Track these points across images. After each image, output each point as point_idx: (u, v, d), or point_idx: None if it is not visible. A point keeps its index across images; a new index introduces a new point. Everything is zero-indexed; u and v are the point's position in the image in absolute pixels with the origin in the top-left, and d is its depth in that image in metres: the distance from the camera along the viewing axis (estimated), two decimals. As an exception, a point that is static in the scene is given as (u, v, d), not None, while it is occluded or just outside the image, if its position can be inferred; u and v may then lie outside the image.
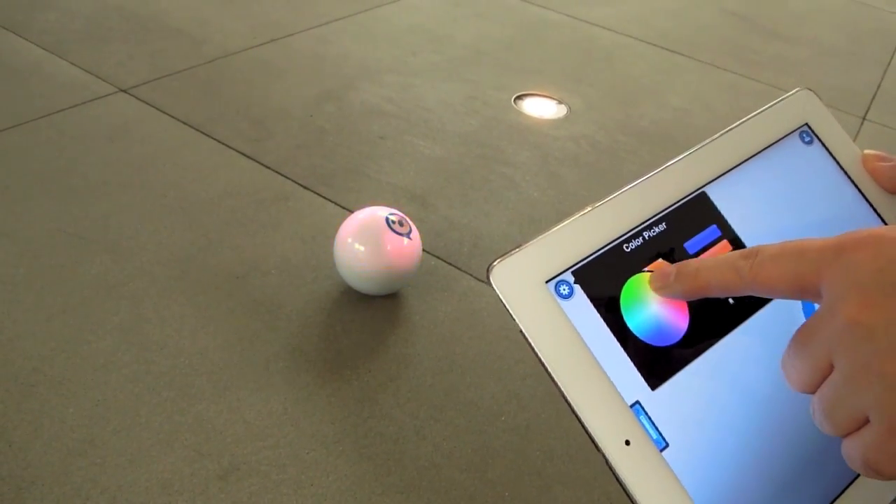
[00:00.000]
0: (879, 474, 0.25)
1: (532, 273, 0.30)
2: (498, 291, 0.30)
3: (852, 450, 0.26)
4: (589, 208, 0.32)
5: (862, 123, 2.02)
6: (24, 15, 1.97)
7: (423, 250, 1.28)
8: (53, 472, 0.93)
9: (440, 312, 1.23)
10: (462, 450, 1.02)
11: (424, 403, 1.08)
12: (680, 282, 0.31)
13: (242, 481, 0.95)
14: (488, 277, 0.30)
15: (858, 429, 0.25)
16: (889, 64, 2.41)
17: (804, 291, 0.27)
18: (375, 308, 1.22)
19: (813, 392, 0.27)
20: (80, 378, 1.04)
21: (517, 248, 0.30)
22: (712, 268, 0.30)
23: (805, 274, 0.27)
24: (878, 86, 2.24)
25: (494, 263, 0.30)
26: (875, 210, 0.37)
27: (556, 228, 0.31)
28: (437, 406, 1.08)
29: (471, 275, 1.32)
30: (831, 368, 0.26)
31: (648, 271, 0.32)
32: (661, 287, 0.31)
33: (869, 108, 2.10)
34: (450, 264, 1.33)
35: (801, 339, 0.27)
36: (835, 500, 0.31)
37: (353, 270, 1.18)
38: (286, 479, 0.95)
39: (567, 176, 1.62)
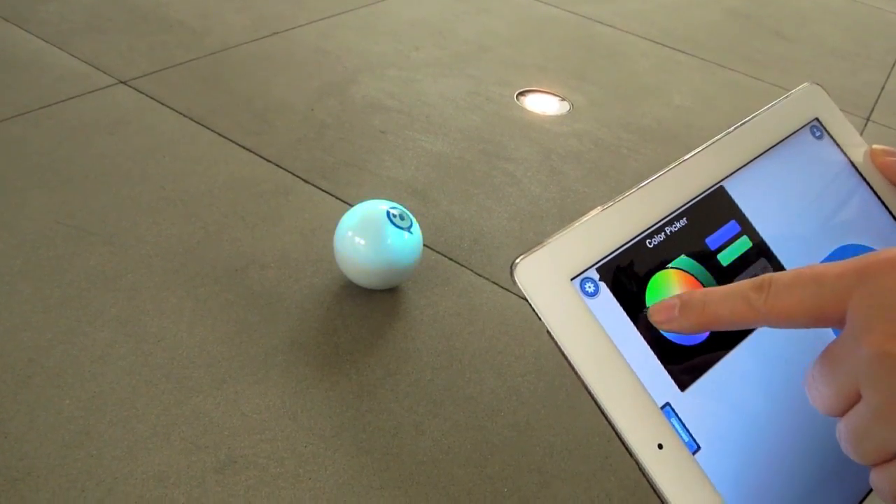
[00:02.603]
0: None
1: (557, 270, 0.29)
2: (523, 290, 0.28)
3: (882, 482, 0.25)
4: (610, 203, 0.31)
5: (866, 124, 2.01)
6: (25, 6, 1.96)
7: (424, 245, 1.28)
8: (49, 464, 0.92)
9: (440, 307, 1.22)
10: (461, 445, 1.02)
11: (423, 398, 1.07)
12: (686, 316, 0.29)
13: (239, 474, 0.94)
14: (512, 275, 0.28)
15: (888, 461, 0.24)
16: (893, 65, 2.40)
17: (826, 319, 0.26)
18: (375, 302, 1.21)
19: (839, 416, 0.26)
20: (76, 369, 1.04)
21: (539, 244, 0.29)
22: (721, 300, 0.28)
23: (826, 301, 0.26)
24: (882, 87, 2.24)
25: (518, 261, 0.29)
26: (884, 204, 0.37)
27: (578, 224, 0.30)
28: (437, 401, 1.07)
29: (471, 270, 1.31)
30: (858, 396, 0.25)
31: (673, 268, 0.31)
32: (665, 321, 0.29)
33: (873, 109, 2.09)
34: (450, 259, 1.33)
35: (826, 363, 0.26)
36: (863, 499, 0.30)
37: (353, 264, 1.17)
38: (283, 473, 0.95)
39: (569, 172, 1.61)
